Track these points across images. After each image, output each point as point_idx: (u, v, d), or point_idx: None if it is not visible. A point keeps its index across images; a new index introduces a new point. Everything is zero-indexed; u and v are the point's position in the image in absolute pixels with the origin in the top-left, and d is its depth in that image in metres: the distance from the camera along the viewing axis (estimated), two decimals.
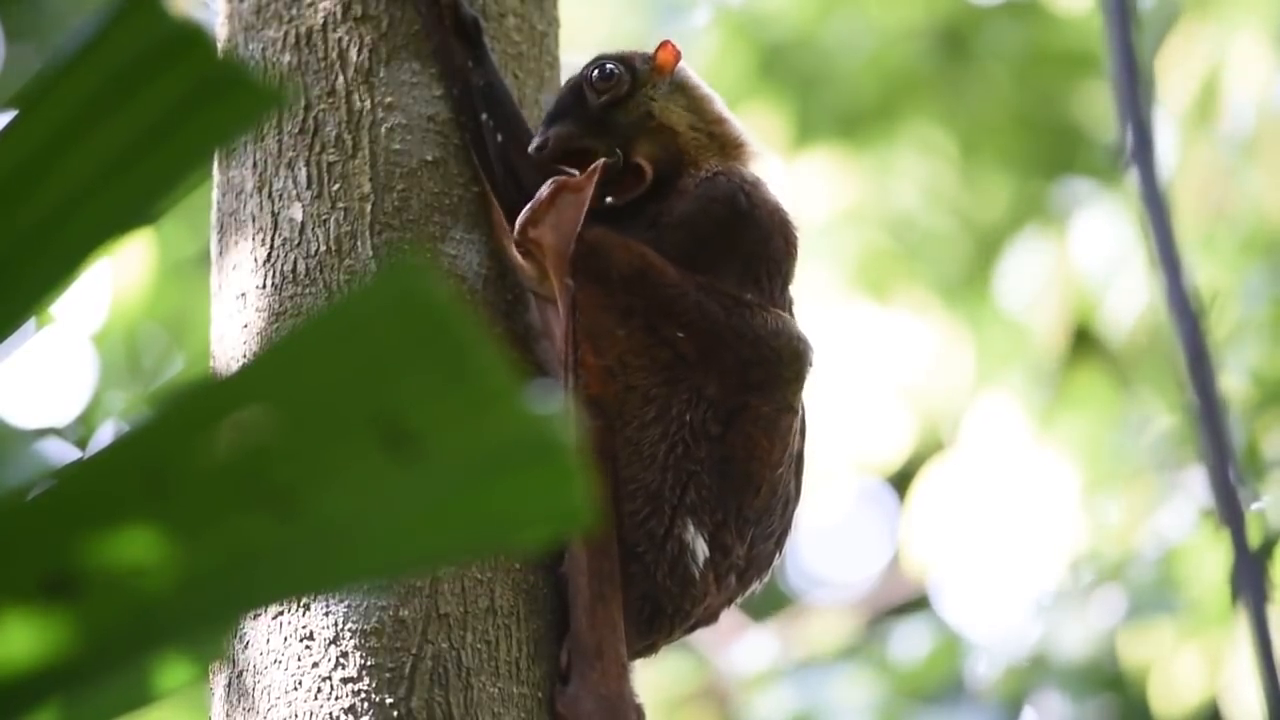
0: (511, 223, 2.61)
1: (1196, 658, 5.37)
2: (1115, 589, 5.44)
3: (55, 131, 1.41)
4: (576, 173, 2.61)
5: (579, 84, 2.67)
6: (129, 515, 1.37)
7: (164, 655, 1.58)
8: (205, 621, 1.42)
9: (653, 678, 6.05)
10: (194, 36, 1.38)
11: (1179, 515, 5.44)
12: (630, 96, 2.68)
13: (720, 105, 2.74)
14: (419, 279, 1.32)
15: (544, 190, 2.58)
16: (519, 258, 2.63)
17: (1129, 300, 6.08)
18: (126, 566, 1.37)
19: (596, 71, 2.67)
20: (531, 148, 2.63)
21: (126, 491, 1.36)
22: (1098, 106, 7.06)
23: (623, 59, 2.69)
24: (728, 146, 2.71)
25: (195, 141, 1.42)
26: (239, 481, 1.36)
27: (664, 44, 2.72)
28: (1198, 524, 5.37)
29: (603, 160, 2.61)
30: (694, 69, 2.78)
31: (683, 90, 2.71)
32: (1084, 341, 6.64)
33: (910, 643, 5.68)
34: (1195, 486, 5.48)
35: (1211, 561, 5.31)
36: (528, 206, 2.58)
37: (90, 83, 1.39)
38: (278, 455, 1.36)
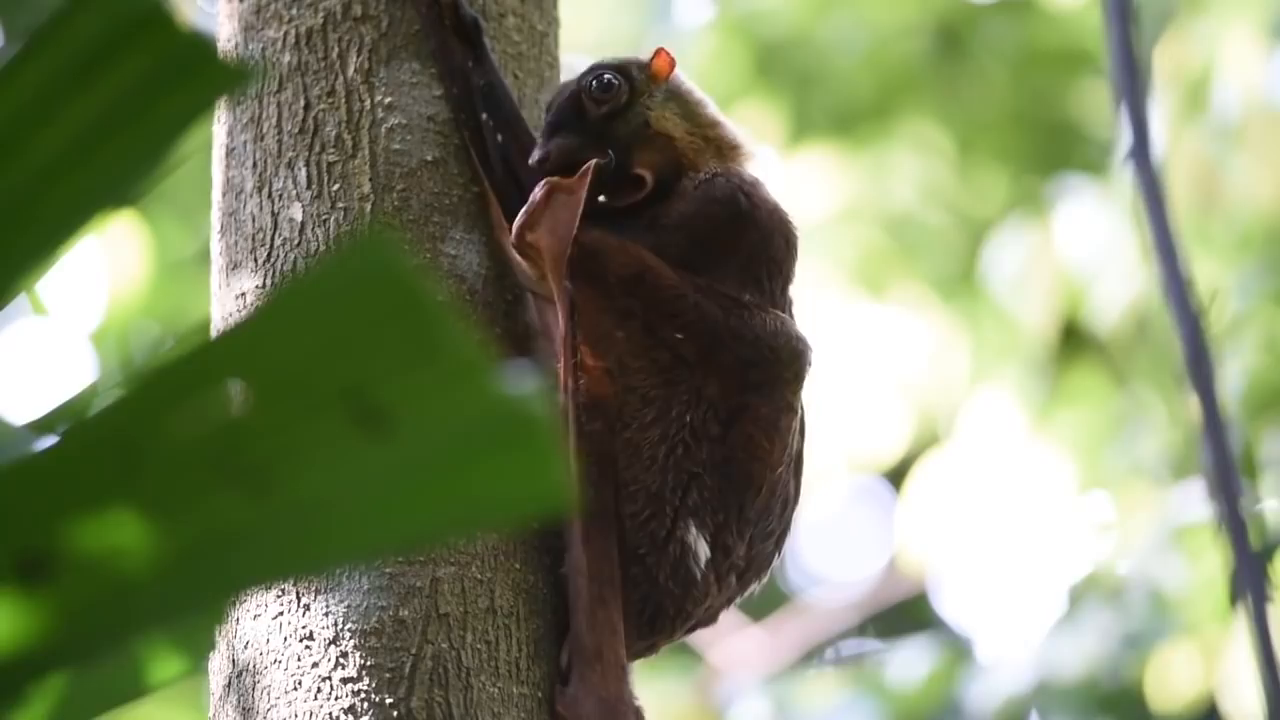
0: (510, 223, 2.61)
1: (1195, 657, 5.38)
2: (1115, 607, 5.43)
3: (22, 111, 1.40)
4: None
5: (577, 94, 2.66)
6: (103, 494, 1.36)
7: (148, 640, 1.57)
8: (187, 605, 1.42)
9: (651, 687, 6.05)
10: (158, 14, 1.37)
11: (1178, 527, 5.44)
12: (629, 107, 2.67)
13: (714, 109, 2.74)
14: (387, 254, 1.31)
15: (537, 192, 2.58)
16: (518, 259, 2.63)
17: (1118, 291, 6.07)
18: (102, 547, 1.36)
19: (595, 82, 2.66)
20: (533, 160, 2.62)
21: (99, 470, 1.36)
22: (1094, 103, 7.06)
23: (620, 69, 2.69)
24: (724, 148, 2.71)
25: (165, 120, 1.41)
26: (212, 458, 1.35)
27: (659, 52, 2.72)
28: (1196, 525, 5.37)
29: (594, 161, 2.61)
30: (689, 70, 2.78)
31: (677, 97, 2.71)
32: (1079, 338, 6.64)
33: (909, 665, 5.67)
34: (1196, 495, 5.48)
35: (1209, 560, 5.31)
36: (523, 210, 2.58)
37: (56, 62, 1.39)
38: (249, 431, 1.35)
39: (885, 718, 5.58)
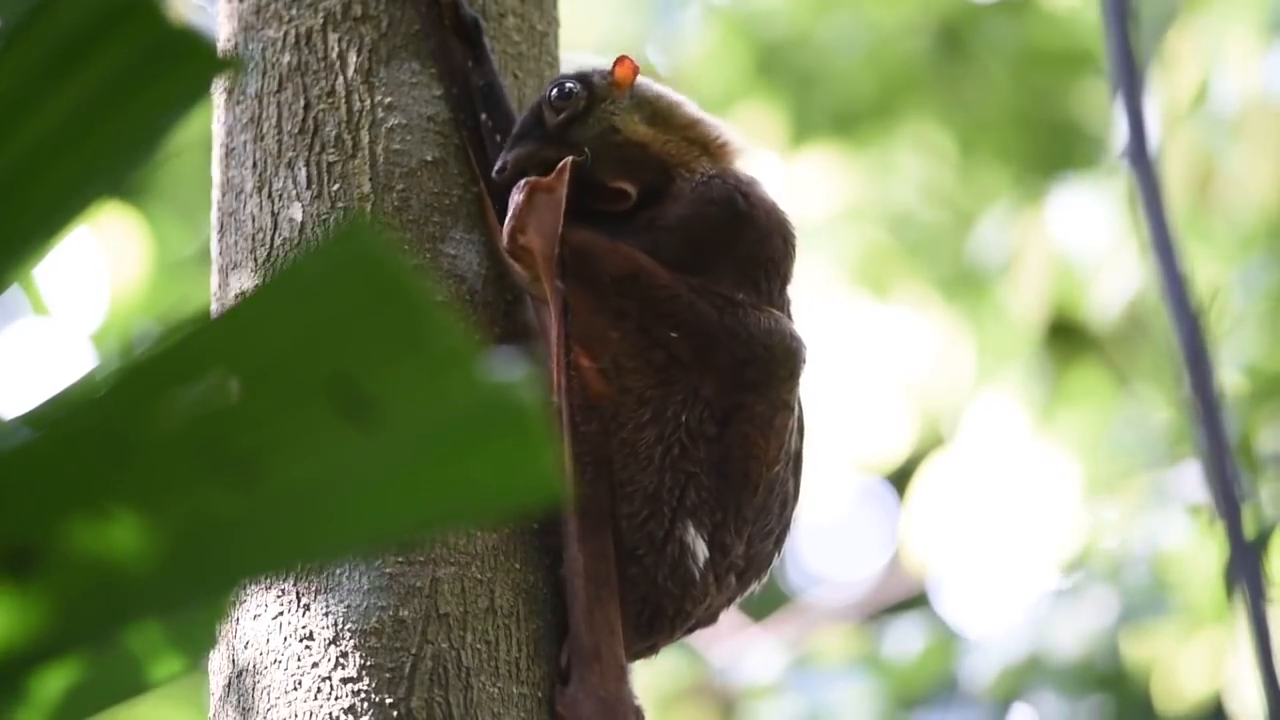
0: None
1: (1199, 653, 5.38)
2: (1111, 588, 5.44)
3: (7, 99, 1.40)
4: None
5: (539, 106, 2.67)
6: (91, 486, 1.36)
7: (143, 634, 1.57)
8: (179, 597, 1.42)
9: (649, 675, 6.05)
10: (143, 2, 1.37)
11: (1175, 511, 5.44)
12: (589, 112, 2.67)
13: (691, 108, 2.74)
14: (372, 243, 1.31)
15: (517, 195, 2.58)
16: (512, 261, 2.63)
17: (1116, 286, 6.07)
18: (91, 539, 1.36)
19: (554, 91, 2.66)
20: (493, 171, 2.63)
21: (87, 462, 1.35)
22: (1095, 103, 7.06)
23: (580, 77, 2.69)
24: (711, 146, 2.71)
25: (152, 109, 1.41)
26: (199, 449, 1.35)
27: (621, 59, 2.72)
28: (1193, 519, 5.38)
29: (571, 159, 2.61)
30: (681, 70, 2.78)
31: (645, 103, 2.71)
32: (1079, 337, 6.65)
33: (905, 642, 5.68)
34: (1192, 480, 5.48)
35: (1207, 554, 5.31)
36: (508, 215, 2.58)
37: (41, 51, 1.38)
38: (236, 421, 1.35)
39: (882, 694, 5.59)
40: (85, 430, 1.33)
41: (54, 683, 1.56)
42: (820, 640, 6.01)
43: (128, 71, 1.37)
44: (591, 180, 2.64)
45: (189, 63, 1.37)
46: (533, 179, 2.59)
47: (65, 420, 1.34)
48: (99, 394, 1.32)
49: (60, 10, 1.36)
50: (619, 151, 2.67)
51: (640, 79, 2.71)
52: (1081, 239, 6.14)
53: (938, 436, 6.87)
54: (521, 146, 2.64)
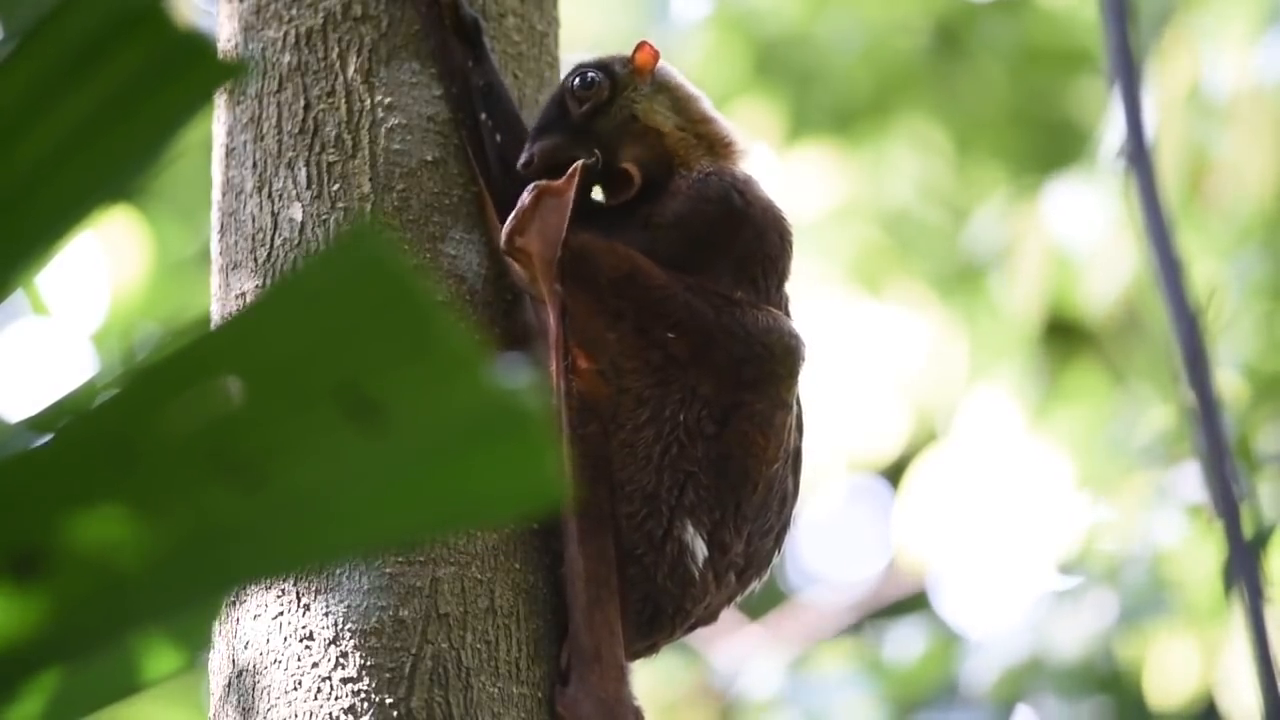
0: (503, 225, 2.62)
1: (1191, 650, 5.38)
2: (1109, 588, 5.44)
3: (17, 106, 1.40)
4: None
5: (561, 96, 2.67)
6: (97, 489, 1.36)
7: (144, 636, 1.58)
8: (182, 600, 1.42)
9: (650, 680, 6.06)
10: (153, 10, 1.38)
11: (1172, 510, 5.45)
12: (612, 101, 2.68)
13: (706, 104, 2.74)
14: (379, 248, 1.32)
15: (525, 197, 2.58)
16: (510, 261, 2.63)
17: (1111, 281, 6.07)
18: (96, 542, 1.36)
19: (577, 80, 2.67)
20: (519, 164, 2.63)
21: (93, 465, 1.36)
22: (1092, 101, 7.07)
23: (601, 65, 2.69)
24: (717, 145, 2.72)
25: (160, 115, 1.41)
26: (205, 453, 1.35)
27: (641, 45, 2.72)
28: (1191, 518, 5.38)
29: (581, 162, 2.61)
30: (679, 68, 2.78)
31: (665, 90, 2.72)
32: (1076, 335, 6.65)
33: (905, 644, 5.68)
34: (1190, 480, 5.48)
35: (1205, 554, 5.32)
36: (512, 214, 2.58)
37: (51, 58, 1.39)
38: (243, 426, 1.35)
39: (882, 697, 5.59)
40: (92, 434, 1.34)
41: (51, 682, 1.56)
42: (820, 646, 6.01)
43: (136, 78, 1.38)
44: (603, 165, 2.64)
45: (197, 68, 1.38)
46: (542, 183, 2.59)
47: (73, 425, 1.34)
48: (105, 398, 1.33)
49: (69, 18, 1.36)
50: (635, 138, 2.67)
51: (660, 65, 2.72)
52: (1077, 233, 6.13)
53: (932, 433, 6.87)
54: (547, 139, 2.64)
